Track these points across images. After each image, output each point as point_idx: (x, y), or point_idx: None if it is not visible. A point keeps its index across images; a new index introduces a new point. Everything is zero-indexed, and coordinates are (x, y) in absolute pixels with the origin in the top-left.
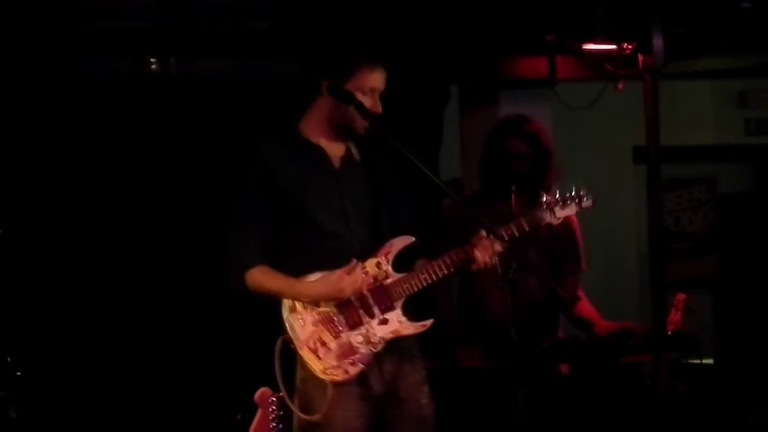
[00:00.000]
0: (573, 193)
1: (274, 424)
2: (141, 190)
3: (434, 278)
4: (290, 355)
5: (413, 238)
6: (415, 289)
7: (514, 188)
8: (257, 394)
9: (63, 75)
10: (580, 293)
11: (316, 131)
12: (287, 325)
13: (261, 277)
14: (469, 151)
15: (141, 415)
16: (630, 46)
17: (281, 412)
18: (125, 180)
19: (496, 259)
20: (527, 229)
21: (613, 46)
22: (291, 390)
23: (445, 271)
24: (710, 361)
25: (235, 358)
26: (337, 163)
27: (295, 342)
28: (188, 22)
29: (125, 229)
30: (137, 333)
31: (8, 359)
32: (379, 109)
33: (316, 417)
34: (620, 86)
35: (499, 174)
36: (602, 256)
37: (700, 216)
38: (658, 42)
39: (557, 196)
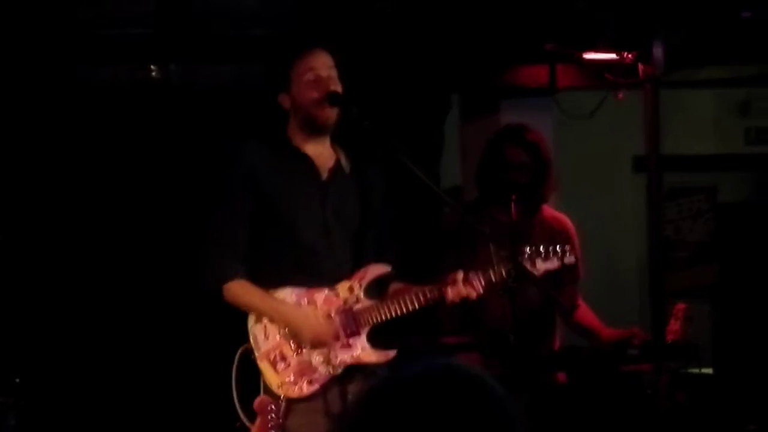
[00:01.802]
0: (556, 248)
1: None
2: (142, 197)
3: (403, 311)
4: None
5: (389, 268)
6: (383, 318)
7: (513, 197)
8: (256, 402)
9: (63, 82)
10: (580, 301)
11: (299, 139)
12: (251, 335)
13: (240, 291)
14: (470, 159)
15: (141, 423)
16: (631, 55)
17: (280, 421)
18: (126, 187)
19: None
20: (504, 278)
21: (614, 56)
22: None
23: (416, 306)
24: (710, 370)
25: (242, 364)
26: (324, 174)
27: (256, 353)
28: (189, 30)
29: (126, 236)
30: (137, 340)
31: (7, 366)
32: (330, 87)
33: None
34: (621, 95)
35: (498, 183)
36: (602, 264)
37: (700, 225)
38: (658, 51)
39: (540, 248)
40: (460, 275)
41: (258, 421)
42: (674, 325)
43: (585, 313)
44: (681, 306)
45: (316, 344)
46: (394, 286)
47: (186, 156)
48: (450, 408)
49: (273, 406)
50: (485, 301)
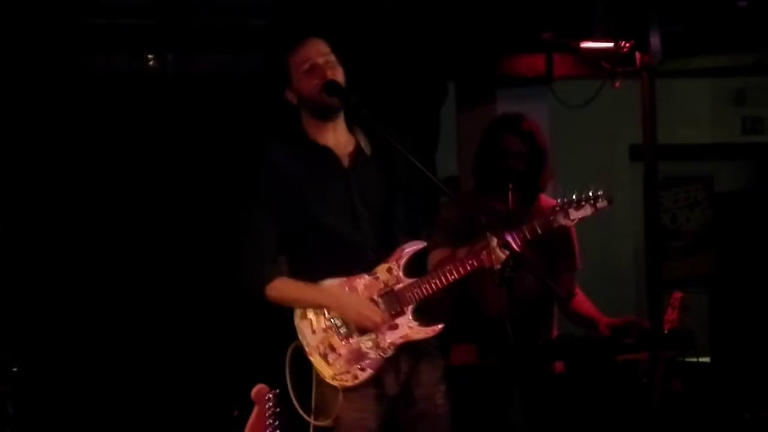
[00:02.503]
0: (588, 194)
1: (271, 421)
2: (139, 187)
3: (444, 283)
4: (303, 361)
5: (424, 243)
6: (426, 293)
7: (510, 186)
8: (254, 391)
9: (61, 72)
10: (577, 290)
11: (317, 130)
12: (298, 331)
13: (283, 288)
14: (466, 148)
15: (138, 411)
16: (627, 44)
17: (278, 409)
18: (123, 176)
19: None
20: (540, 233)
21: (611, 44)
22: (303, 396)
23: (456, 276)
24: (707, 359)
25: (231, 355)
26: (346, 162)
27: (306, 347)
28: (186, 19)
29: (122, 225)
30: (134, 329)
31: (5, 355)
32: (329, 76)
33: (328, 422)
34: (617, 84)
35: (495, 171)
36: (599, 254)
37: (697, 214)
38: (655, 40)
39: (573, 197)
40: (494, 241)
41: (256, 409)
42: (671, 314)
43: (582, 302)
44: (678, 295)
45: (364, 325)
46: (435, 256)
47: (183, 145)
48: None
49: (271, 395)
50: (482, 292)
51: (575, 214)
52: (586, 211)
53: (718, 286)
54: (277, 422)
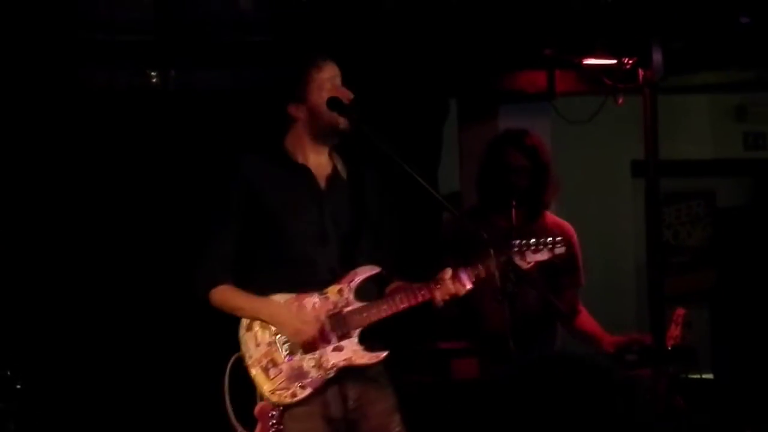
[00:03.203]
0: (546, 240)
1: None
2: (141, 202)
3: (393, 311)
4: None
5: (378, 269)
6: (374, 319)
7: (514, 202)
8: (257, 408)
9: (63, 87)
10: (580, 307)
11: (301, 149)
12: (241, 343)
13: (226, 294)
14: (468, 164)
15: (141, 429)
16: (629, 61)
17: (281, 426)
18: (125, 192)
19: (495, 272)
20: (492, 272)
21: (613, 61)
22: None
23: (406, 306)
24: (710, 375)
25: (235, 372)
26: (322, 182)
27: (248, 360)
28: (188, 35)
29: (124, 241)
30: (137, 346)
31: (8, 373)
32: (348, 96)
33: None
34: (620, 100)
35: (498, 187)
36: (601, 269)
37: (699, 230)
38: (657, 56)
39: (531, 240)
40: (448, 273)
41: (258, 427)
42: (673, 331)
43: (586, 319)
44: (680, 311)
45: (300, 340)
46: (392, 286)
47: (183, 161)
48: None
49: (274, 413)
50: (484, 307)
51: (532, 257)
52: (543, 255)
53: (720, 301)
54: None
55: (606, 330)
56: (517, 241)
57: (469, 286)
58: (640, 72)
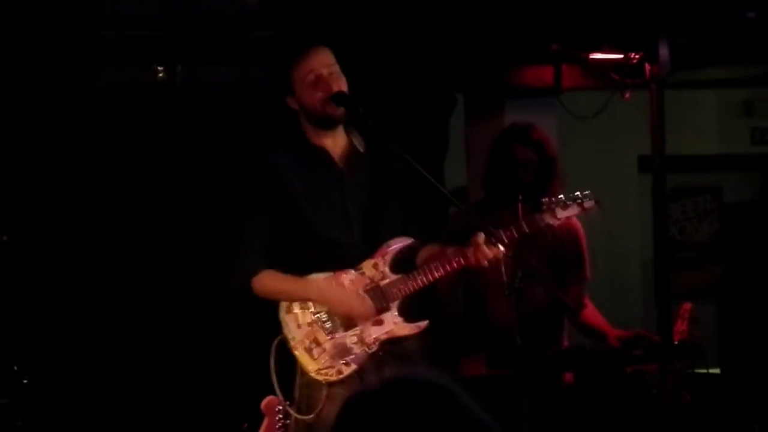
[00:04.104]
0: (575, 194)
1: None
2: (148, 198)
3: (431, 280)
4: (289, 355)
5: (410, 240)
6: (411, 290)
7: (520, 197)
8: (264, 403)
9: (69, 84)
10: (586, 301)
11: (315, 134)
12: (283, 325)
13: (271, 280)
14: (475, 159)
15: (148, 424)
16: (636, 56)
17: (288, 421)
18: (131, 188)
19: (501, 267)
20: (527, 231)
21: (620, 56)
22: (289, 390)
23: (443, 273)
24: (717, 370)
25: (242, 367)
26: (341, 162)
27: (291, 342)
28: (194, 31)
29: (132, 238)
30: (143, 342)
31: (15, 367)
32: (335, 88)
33: (310, 417)
34: (627, 95)
35: (505, 182)
36: (607, 265)
37: (706, 225)
38: (663, 51)
39: (560, 197)
40: (482, 237)
41: (265, 421)
42: (680, 326)
43: (592, 313)
44: (687, 306)
45: (353, 319)
46: (424, 253)
47: (190, 156)
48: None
49: (280, 407)
50: (490, 302)
51: (562, 213)
52: (573, 210)
53: (727, 297)
54: None
55: (612, 325)
56: (546, 199)
57: (503, 248)
58: (647, 67)
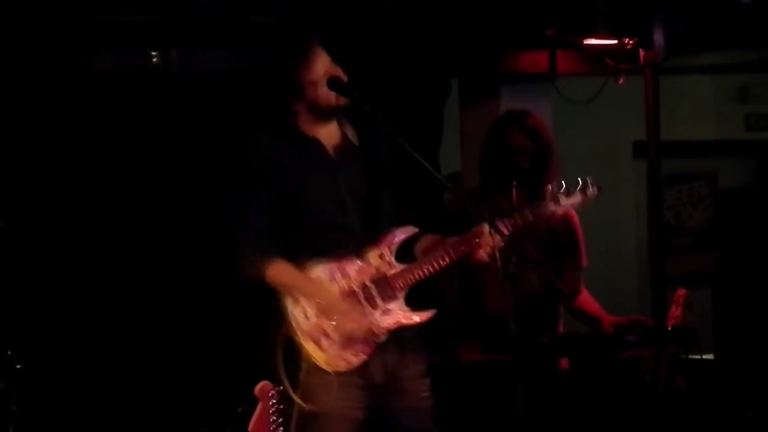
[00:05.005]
0: (578, 182)
1: (275, 418)
2: (142, 184)
3: (437, 268)
4: (291, 346)
5: (416, 229)
6: (417, 279)
7: (515, 183)
8: (258, 388)
9: (63, 69)
10: (581, 287)
11: (309, 123)
12: (291, 317)
13: (282, 271)
14: (470, 145)
15: (141, 408)
16: (631, 41)
17: (281, 406)
18: (126, 174)
19: (496, 253)
20: (531, 219)
21: (614, 41)
22: (293, 381)
23: (447, 261)
24: (711, 356)
25: (235, 351)
26: (333, 152)
27: (299, 333)
28: (189, 15)
29: (125, 223)
30: (137, 325)
31: (8, 352)
32: (341, 74)
33: (315, 407)
34: (621, 81)
35: (500, 168)
36: (602, 251)
37: (700, 211)
38: (658, 37)
39: (562, 185)
40: (486, 227)
41: (259, 406)
42: (675, 311)
43: (587, 300)
44: (681, 292)
45: (346, 330)
46: (424, 243)
47: (186, 142)
48: None
49: (274, 392)
50: (486, 289)
51: (565, 201)
52: (576, 198)
53: (722, 283)
54: (280, 419)
55: (607, 311)
56: (550, 186)
57: (506, 232)
58: (642, 52)
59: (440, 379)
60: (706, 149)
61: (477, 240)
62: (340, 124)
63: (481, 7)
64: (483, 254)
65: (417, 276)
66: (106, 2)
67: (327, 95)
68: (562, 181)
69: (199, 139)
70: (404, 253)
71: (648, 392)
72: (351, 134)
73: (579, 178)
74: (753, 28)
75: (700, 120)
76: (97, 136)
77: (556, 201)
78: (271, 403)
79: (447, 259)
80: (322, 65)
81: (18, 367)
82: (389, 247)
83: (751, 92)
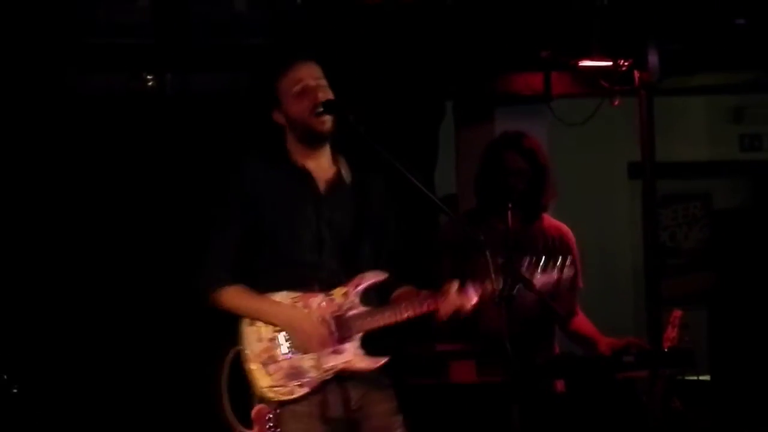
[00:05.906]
0: (556, 260)
1: None
2: (137, 207)
3: (398, 319)
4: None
5: (385, 275)
6: (377, 326)
7: (510, 205)
8: (254, 411)
9: (58, 91)
10: (577, 309)
11: (299, 152)
12: (243, 337)
13: (238, 296)
14: (465, 167)
15: (138, 426)
16: (625, 63)
17: (278, 429)
18: (122, 196)
19: (492, 274)
20: (500, 288)
21: (609, 63)
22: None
23: (410, 315)
24: (707, 377)
25: (233, 374)
26: (322, 187)
27: (248, 354)
28: (184, 39)
29: (121, 244)
30: (135, 344)
31: (4, 376)
32: (322, 96)
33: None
34: (616, 102)
35: (496, 189)
36: (597, 271)
37: (696, 232)
38: (653, 58)
39: (540, 260)
40: (454, 286)
41: (255, 430)
42: (670, 332)
43: (582, 321)
44: (677, 313)
45: (308, 346)
46: (397, 292)
47: (180, 164)
48: None
49: (271, 415)
50: (481, 309)
51: (540, 278)
52: (551, 276)
53: (718, 303)
54: None
55: (603, 332)
56: (526, 260)
57: (474, 300)
58: (636, 74)
59: (434, 401)
60: (701, 170)
61: (443, 300)
62: (335, 160)
63: (475, 29)
64: (444, 315)
65: (377, 322)
66: (102, 25)
67: (308, 120)
68: (542, 256)
69: (194, 162)
70: (380, 299)
71: (644, 414)
72: (345, 171)
73: (558, 259)
74: (747, 49)
75: (694, 141)
76: (92, 159)
77: (531, 275)
78: (267, 426)
79: (411, 312)
80: (306, 73)
81: (14, 391)
82: (356, 288)
83: (746, 113)
